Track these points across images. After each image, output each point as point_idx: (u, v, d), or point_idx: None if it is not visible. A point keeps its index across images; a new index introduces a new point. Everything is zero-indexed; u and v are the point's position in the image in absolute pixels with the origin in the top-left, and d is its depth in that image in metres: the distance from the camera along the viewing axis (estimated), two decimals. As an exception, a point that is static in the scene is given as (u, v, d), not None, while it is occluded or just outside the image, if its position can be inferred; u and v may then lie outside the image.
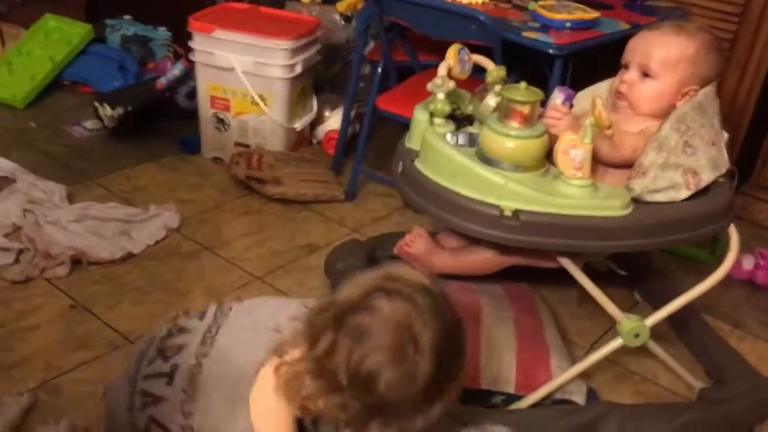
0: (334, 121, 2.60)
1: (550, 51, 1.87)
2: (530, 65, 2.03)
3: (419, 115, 1.46)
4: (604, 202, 1.31)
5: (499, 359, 1.54)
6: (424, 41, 2.39)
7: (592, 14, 2.03)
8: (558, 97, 1.42)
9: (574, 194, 1.29)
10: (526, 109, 1.29)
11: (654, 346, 1.58)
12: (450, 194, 1.35)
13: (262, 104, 2.39)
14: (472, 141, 1.39)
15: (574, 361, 1.61)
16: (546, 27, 1.99)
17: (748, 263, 2.12)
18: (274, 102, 2.40)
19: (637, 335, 1.51)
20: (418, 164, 1.42)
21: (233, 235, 2.12)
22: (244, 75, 2.35)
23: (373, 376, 1.00)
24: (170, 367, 1.26)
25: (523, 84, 1.32)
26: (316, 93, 2.62)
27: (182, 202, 2.22)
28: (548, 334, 1.65)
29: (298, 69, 2.39)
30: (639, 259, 1.99)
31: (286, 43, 2.32)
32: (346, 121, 2.43)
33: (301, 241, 2.12)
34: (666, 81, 1.47)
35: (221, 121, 2.46)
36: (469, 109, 1.50)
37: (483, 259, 1.61)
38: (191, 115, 2.55)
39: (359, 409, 1.02)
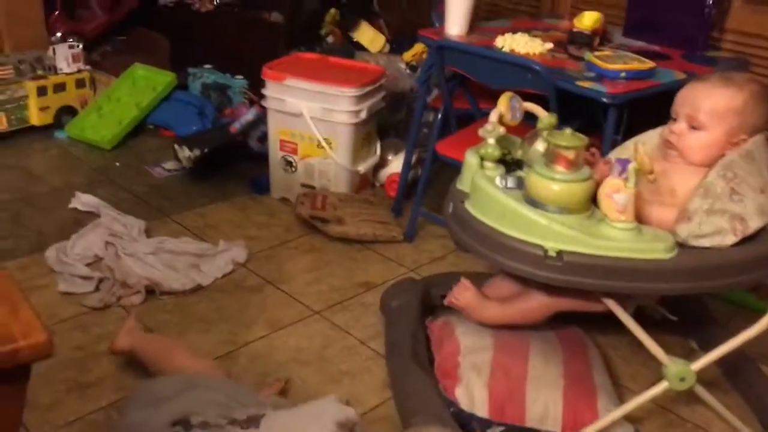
0: (396, 165, 2.67)
1: (604, 100, 1.89)
2: (589, 115, 2.06)
3: (470, 159, 1.51)
4: (648, 245, 1.33)
5: (546, 397, 1.55)
6: (484, 90, 2.43)
7: (648, 64, 2.03)
8: (616, 169, 1.44)
9: (618, 236, 1.31)
10: (571, 154, 1.33)
11: (702, 392, 1.55)
12: (497, 234, 1.38)
13: (327, 148, 2.49)
14: (521, 184, 1.42)
15: (623, 406, 1.61)
16: (600, 77, 2.00)
17: (811, 314, 2.06)
18: (339, 146, 2.49)
19: (683, 379, 1.49)
20: (468, 205, 1.46)
21: (296, 271, 2.19)
22: (312, 120, 2.46)
23: None
24: None
25: (568, 130, 1.36)
26: (381, 138, 2.70)
27: (250, 239, 2.32)
28: (597, 376, 1.65)
29: (363, 115, 2.48)
30: (695, 306, 1.96)
31: (351, 91, 2.42)
32: (407, 165, 2.50)
33: (360, 278, 2.18)
34: (714, 132, 1.48)
35: (289, 163, 2.57)
36: (518, 154, 1.53)
37: (532, 307, 1.62)
38: (262, 158, 2.66)
39: None
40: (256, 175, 2.67)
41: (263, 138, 2.67)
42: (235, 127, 2.72)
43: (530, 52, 2.20)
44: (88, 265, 2.11)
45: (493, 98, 2.39)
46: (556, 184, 1.33)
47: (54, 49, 3.01)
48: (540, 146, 1.43)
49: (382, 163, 2.72)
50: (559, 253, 1.32)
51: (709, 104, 1.48)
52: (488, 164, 1.49)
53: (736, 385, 1.79)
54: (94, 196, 2.46)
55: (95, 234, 2.22)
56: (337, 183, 2.55)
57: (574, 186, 1.33)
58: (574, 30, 2.27)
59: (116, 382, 1.68)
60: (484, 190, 1.42)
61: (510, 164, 1.52)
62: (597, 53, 2.13)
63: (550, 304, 1.58)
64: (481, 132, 1.49)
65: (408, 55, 2.90)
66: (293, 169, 2.57)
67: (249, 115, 2.71)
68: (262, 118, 2.67)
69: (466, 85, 2.51)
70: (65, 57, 3.01)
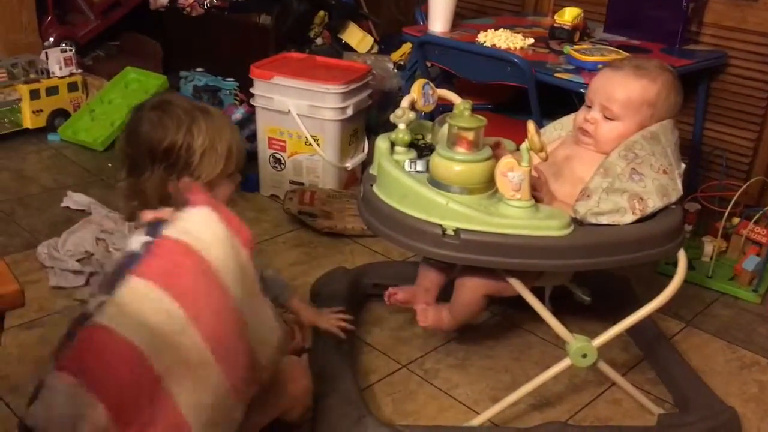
0: (385, 162, 3.25)
1: (582, 90, 2.28)
2: (574, 109, 2.58)
3: (380, 144, 1.86)
4: (542, 222, 1.63)
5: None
6: (469, 85, 3.00)
7: (625, 56, 2.53)
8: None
9: (513, 214, 1.61)
10: (470, 135, 1.64)
11: (606, 368, 1.89)
12: (398, 214, 1.68)
13: (315, 145, 3.09)
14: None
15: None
16: (579, 69, 2.55)
17: (792, 300, 2.54)
18: (327, 143, 3.10)
19: (584, 355, 1.80)
20: (375, 188, 1.79)
21: (283, 265, 2.72)
22: (299, 117, 3.06)
23: None
24: None
25: (467, 112, 1.67)
26: (370, 135, 3.30)
27: (239, 235, 2.91)
28: None
29: (349, 112, 3.08)
30: (622, 291, 2.35)
31: (337, 88, 3.02)
32: (393, 161, 3.07)
33: (346, 270, 2.64)
34: (628, 122, 1.82)
35: (278, 160, 3.19)
36: (429, 138, 1.89)
37: (467, 299, 1.94)
38: (252, 156, 3.23)
39: None
40: (247, 173, 3.17)
41: (252, 137, 3.29)
42: (224, 126, 3.36)
43: (511, 47, 2.76)
44: (78, 260, 2.56)
45: (478, 94, 3.00)
46: (456, 164, 1.63)
47: (47, 54, 3.72)
48: (447, 129, 1.72)
49: (371, 160, 3.30)
50: (457, 231, 1.61)
51: (623, 95, 1.81)
52: (399, 149, 1.80)
53: (651, 363, 2.16)
54: (86, 195, 3.06)
55: (86, 230, 2.75)
56: (325, 179, 3.16)
57: (473, 166, 1.64)
58: (555, 25, 2.86)
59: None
60: (388, 173, 1.72)
61: (422, 148, 1.84)
62: (576, 47, 2.69)
63: (479, 289, 1.90)
64: (392, 117, 1.83)
65: (396, 55, 3.50)
66: (282, 166, 3.20)
67: (237, 114, 3.35)
68: (250, 117, 3.29)
69: (451, 80, 3.09)
70: (57, 61, 3.72)
